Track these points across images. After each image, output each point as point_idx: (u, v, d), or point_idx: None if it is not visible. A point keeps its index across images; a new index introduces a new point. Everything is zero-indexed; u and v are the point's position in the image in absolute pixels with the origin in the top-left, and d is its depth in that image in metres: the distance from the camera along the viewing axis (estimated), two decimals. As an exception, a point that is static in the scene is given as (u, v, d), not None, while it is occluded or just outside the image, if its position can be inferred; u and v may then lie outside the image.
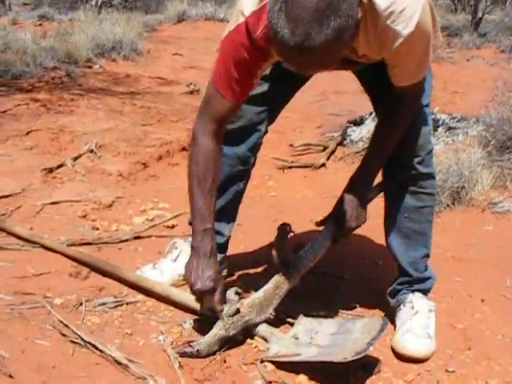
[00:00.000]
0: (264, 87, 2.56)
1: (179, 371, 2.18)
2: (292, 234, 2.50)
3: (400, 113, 2.40)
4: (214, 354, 2.30)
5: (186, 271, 2.39)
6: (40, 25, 11.46)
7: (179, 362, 2.23)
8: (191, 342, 2.32)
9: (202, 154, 2.38)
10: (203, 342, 2.30)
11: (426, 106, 2.54)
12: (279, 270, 2.49)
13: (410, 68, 2.27)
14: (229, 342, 2.36)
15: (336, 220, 2.52)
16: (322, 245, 2.54)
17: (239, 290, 2.44)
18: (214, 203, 2.43)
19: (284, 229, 2.47)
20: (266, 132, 2.72)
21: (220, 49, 2.30)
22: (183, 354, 2.28)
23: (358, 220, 2.51)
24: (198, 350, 2.28)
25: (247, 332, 2.42)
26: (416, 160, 2.54)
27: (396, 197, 2.62)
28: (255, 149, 2.71)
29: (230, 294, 2.41)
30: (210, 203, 2.40)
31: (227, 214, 2.76)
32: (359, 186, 2.51)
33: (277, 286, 2.46)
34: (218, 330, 2.33)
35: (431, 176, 2.62)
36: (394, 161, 2.49)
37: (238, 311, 2.36)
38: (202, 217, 2.39)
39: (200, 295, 2.39)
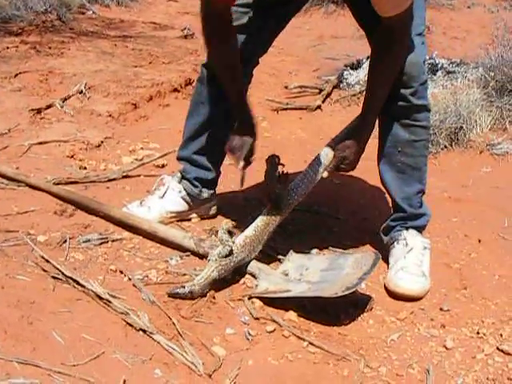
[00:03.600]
0: (254, 16, 2.49)
1: (162, 306, 2.13)
2: (282, 166, 2.42)
3: (390, 43, 2.29)
4: (204, 295, 2.23)
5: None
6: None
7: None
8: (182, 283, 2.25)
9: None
10: (196, 283, 2.22)
11: (419, 34, 2.44)
12: (269, 204, 2.41)
13: None
14: (218, 282, 2.30)
15: (328, 154, 2.44)
16: (312, 178, 2.46)
17: (231, 229, 2.36)
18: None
19: (273, 160, 2.38)
20: (257, 63, 2.67)
21: None
22: (175, 295, 2.20)
23: (351, 158, 2.45)
24: (191, 292, 2.20)
25: (237, 271, 2.36)
26: (408, 91, 2.45)
27: (389, 130, 2.54)
28: (246, 80, 2.63)
29: (222, 233, 2.32)
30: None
31: (218, 149, 2.68)
32: (358, 127, 2.46)
33: (267, 222, 2.39)
34: (210, 272, 2.25)
35: (425, 108, 2.53)
36: None
37: (231, 252, 2.29)
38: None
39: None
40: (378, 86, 2.40)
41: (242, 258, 2.33)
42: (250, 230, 2.39)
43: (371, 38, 2.47)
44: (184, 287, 2.20)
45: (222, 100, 2.55)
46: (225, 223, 2.35)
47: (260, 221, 2.40)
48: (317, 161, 2.47)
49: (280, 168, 2.40)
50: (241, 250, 2.33)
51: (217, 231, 2.63)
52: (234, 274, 2.36)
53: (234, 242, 2.31)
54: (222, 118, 2.62)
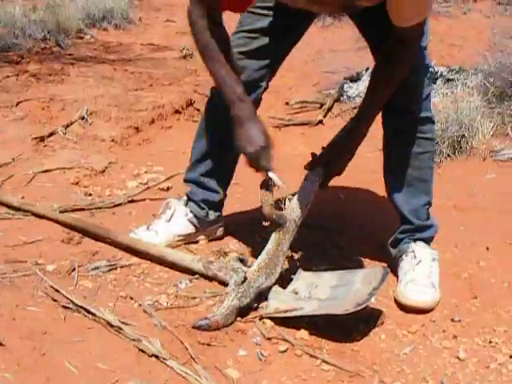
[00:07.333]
0: (262, 41, 2.49)
1: (175, 331, 2.14)
2: (277, 187, 2.41)
3: (400, 55, 2.30)
4: (229, 324, 2.22)
5: (237, 142, 2.32)
6: (30, -2, 11.29)
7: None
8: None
9: (206, 34, 2.27)
10: (218, 313, 2.21)
11: (424, 48, 2.45)
12: (274, 226, 2.40)
13: (413, 5, 2.15)
14: (243, 311, 2.28)
15: (324, 163, 2.45)
16: (310, 190, 2.45)
17: (242, 257, 2.40)
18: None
19: (267, 183, 2.37)
20: (266, 88, 2.64)
21: None
22: (199, 327, 2.18)
23: (344, 165, 2.45)
24: (214, 322, 2.18)
25: (260, 297, 2.33)
26: (412, 104, 2.46)
27: (394, 143, 2.55)
28: (255, 105, 2.62)
29: (234, 261, 2.34)
30: (231, 71, 2.30)
31: (226, 171, 2.72)
32: (352, 131, 2.43)
33: (278, 243, 2.37)
34: (230, 301, 2.23)
35: (430, 120, 2.55)
36: (390, 106, 2.41)
37: (245, 279, 2.27)
38: (230, 85, 2.29)
39: (256, 156, 2.30)
40: (379, 96, 2.40)
41: (261, 282, 2.30)
42: (262, 254, 2.36)
43: (376, 50, 2.47)
44: (207, 319, 2.19)
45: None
46: (233, 253, 2.39)
47: (270, 243, 2.37)
48: (311, 172, 2.47)
49: (275, 189, 2.38)
50: (257, 275, 2.30)
51: (225, 252, 2.65)
52: (259, 301, 2.33)
53: (247, 267, 2.32)
54: (230, 141, 2.61)
